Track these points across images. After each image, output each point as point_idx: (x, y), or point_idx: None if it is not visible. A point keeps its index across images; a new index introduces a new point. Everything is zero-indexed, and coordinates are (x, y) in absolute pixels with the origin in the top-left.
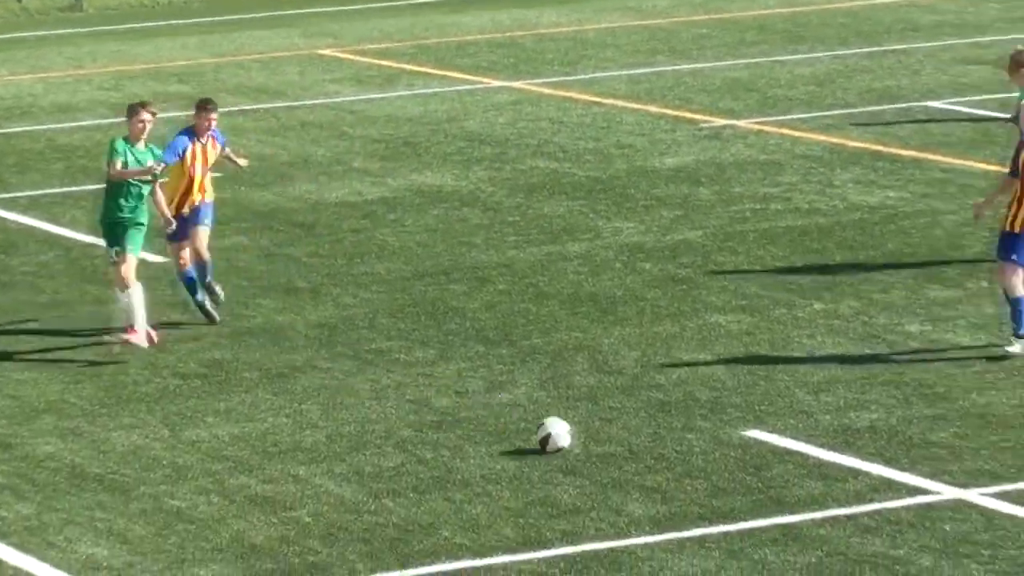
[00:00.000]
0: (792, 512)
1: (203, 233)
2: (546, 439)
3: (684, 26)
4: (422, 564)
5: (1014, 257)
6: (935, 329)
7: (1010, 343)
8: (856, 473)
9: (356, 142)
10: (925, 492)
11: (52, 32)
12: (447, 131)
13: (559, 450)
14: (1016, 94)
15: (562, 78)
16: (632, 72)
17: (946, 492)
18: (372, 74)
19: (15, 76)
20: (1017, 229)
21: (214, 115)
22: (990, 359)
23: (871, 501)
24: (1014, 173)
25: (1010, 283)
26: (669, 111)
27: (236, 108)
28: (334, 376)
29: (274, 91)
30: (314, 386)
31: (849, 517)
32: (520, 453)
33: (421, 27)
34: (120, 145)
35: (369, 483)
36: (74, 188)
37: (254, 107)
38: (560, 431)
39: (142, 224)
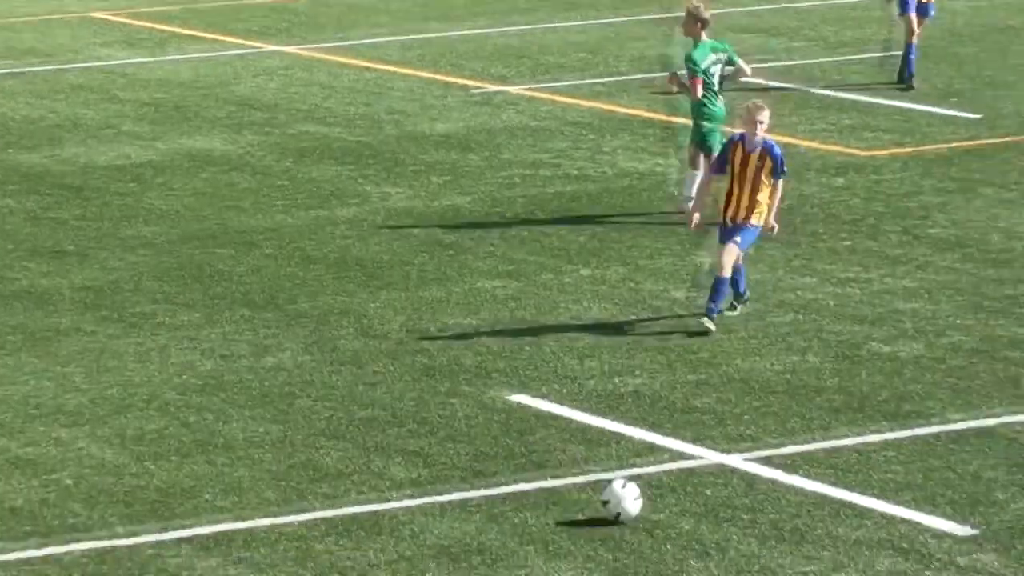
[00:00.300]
0: (555, 476)
1: None
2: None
3: None
4: (183, 527)
5: (737, 239)
6: (700, 295)
7: (707, 319)
8: (619, 438)
9: (126, 105)
10: (687, 457)
11: None
12: (218, 95)
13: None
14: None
15: (334, 43)
16: (404, 38)
17: (708, 456)
18: (143, 37)
19: None
20: (739, 221)
21: None
22: (754, 325)
23: (633, 465)
24: (720, 170)
25: (724, 262)
26: (440, 77)
27: (6, 71)
28: (98, 339)
29: (44, 53)
30: (78, 349)
31: (611, 481)
32: (284, 416)
33: None
34: None
35: (131, 446)
36: None
37: (23, 69)
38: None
39: None
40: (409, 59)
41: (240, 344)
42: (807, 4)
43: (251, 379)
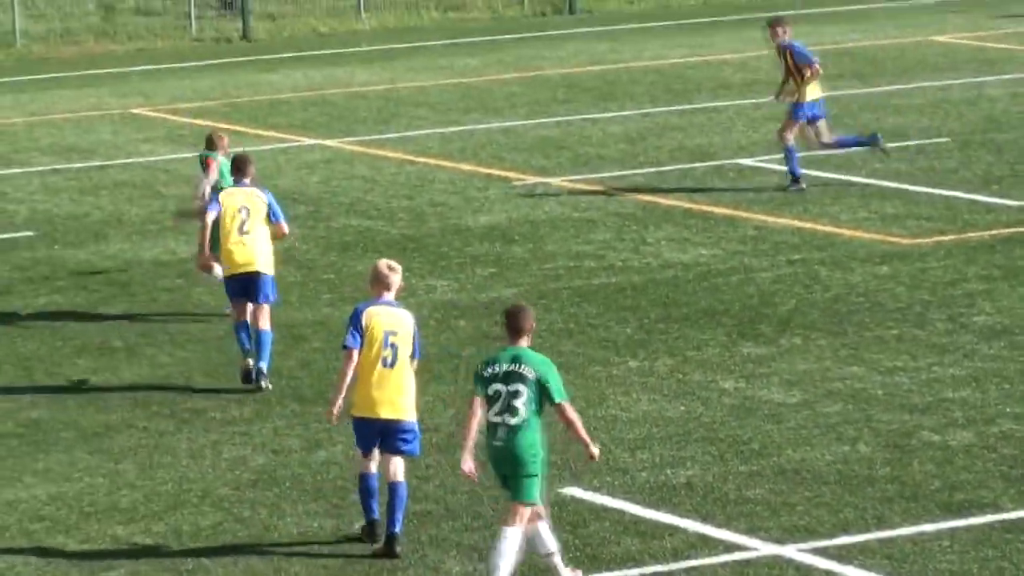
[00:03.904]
0: (609, 569)
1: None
2: None
3: (495, 84)
4: None
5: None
6: (749, 386)
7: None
8: (673, 530)
9: (170, 201)
10: (742, 548)
11: None
12: None
13: None
14: None
15: (375, 136)
16: (445, 130)
17: (763, 548)
18: (184, 133)
19: None
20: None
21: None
22: (804, 415)
23: (688, 558)
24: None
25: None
26: (482, 169)
27: (49, 167)
28: (151, 435)
29: (86, 150)
30: (131, 445)
31: (666, 574)
32: (337, 511)
33: (233, 86)
34: None
35: (187, 542)
36: None
37: (67, 166)
38: None
39: None
40: (450, 151)
41: (291, 439)
42: (846, 92)
43: (303, 473)
